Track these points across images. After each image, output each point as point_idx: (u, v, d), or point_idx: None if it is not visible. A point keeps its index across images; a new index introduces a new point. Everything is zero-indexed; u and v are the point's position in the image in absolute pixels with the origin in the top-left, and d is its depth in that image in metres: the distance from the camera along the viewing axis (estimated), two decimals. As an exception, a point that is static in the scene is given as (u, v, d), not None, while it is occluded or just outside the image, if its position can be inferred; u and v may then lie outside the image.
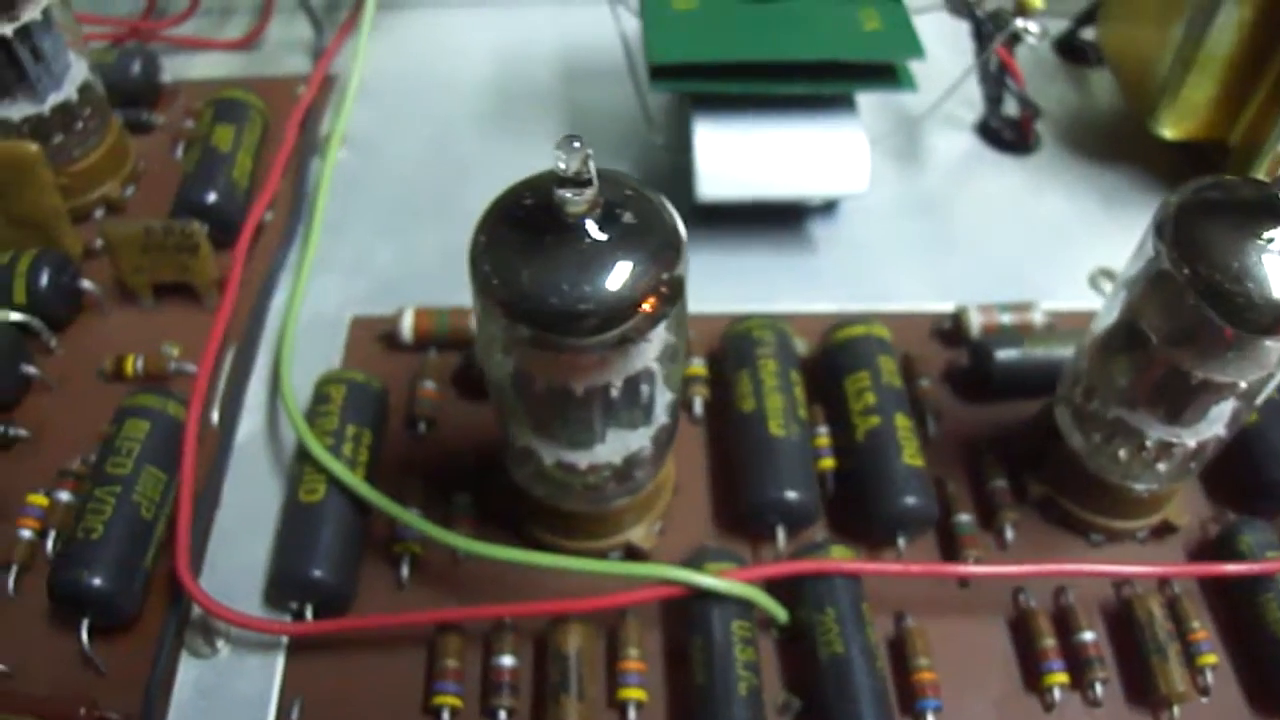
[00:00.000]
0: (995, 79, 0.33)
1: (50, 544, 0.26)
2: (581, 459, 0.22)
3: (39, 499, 0.27)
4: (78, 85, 0.31)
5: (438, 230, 0.32)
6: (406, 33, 0.39)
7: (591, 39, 0.38)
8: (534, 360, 0.20)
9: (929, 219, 0.33)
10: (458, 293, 0.30)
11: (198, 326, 0.30)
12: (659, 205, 0.19)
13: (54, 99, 0.31)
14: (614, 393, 0.21)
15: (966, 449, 0.27)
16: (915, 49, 0.29)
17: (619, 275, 0.18)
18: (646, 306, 0.19)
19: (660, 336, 0.20)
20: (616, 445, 0.22)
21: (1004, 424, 0.28)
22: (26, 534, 0.26)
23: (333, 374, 0.27)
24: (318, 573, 0.24)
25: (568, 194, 0.18)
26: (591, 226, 0.19)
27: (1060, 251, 0.32)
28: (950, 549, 0.26)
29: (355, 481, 0.24)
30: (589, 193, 0.18)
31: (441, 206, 0.33)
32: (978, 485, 0.27)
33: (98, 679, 0.24)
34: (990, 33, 0.31)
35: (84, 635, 0.24)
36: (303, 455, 0.25)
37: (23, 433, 0.28)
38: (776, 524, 0.25)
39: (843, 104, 0.30)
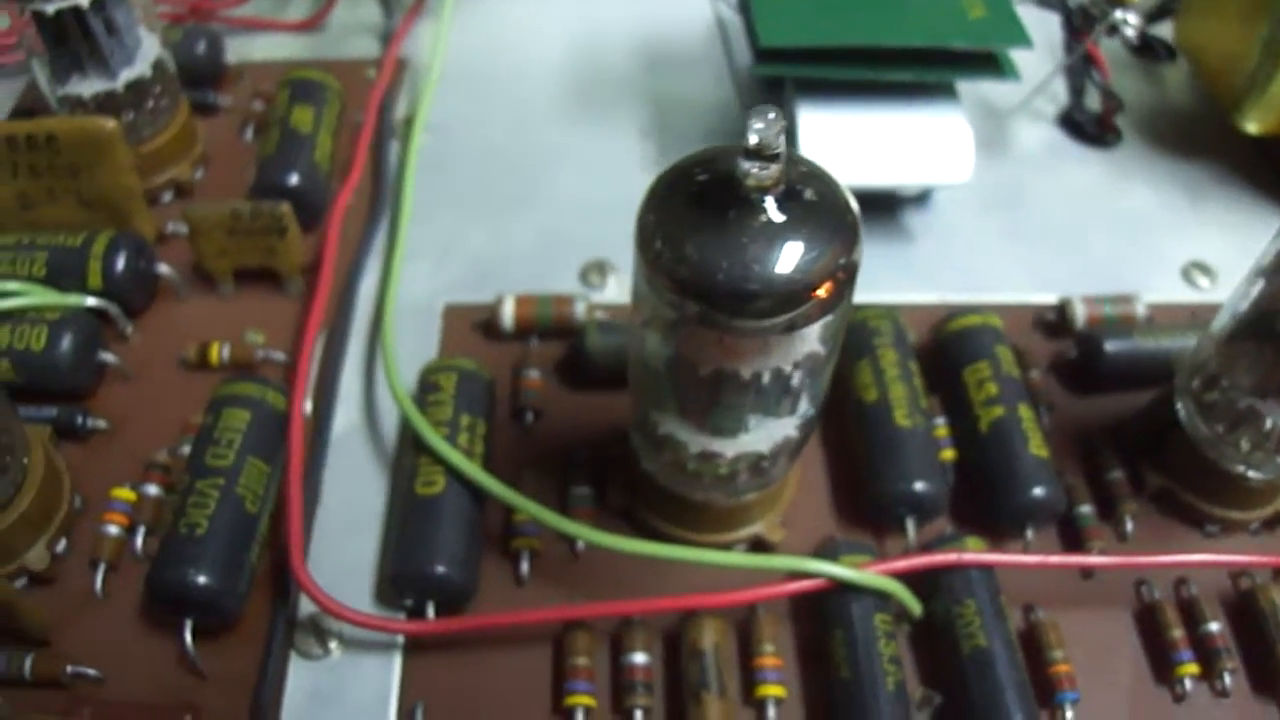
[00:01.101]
0: (1080, 71, 0.33)
1: (140, 541, 0.25)
2: (728, 447, 0.21)
3: (125, 493, 0.25)
4: (151, 61, 0.30)
5: (527, 217, 0.31)
6: (477, 16, 0.38)
7: (668, 25, 0.37)
8: (697, 342, 0.19)
9: (1017, 210, 0.33)
10: (550, 280, 0.30)
11: (279, 313, 0.29)
12: (836, 186, 0.19)
13: (126, 74, 0.29)
14: (769, 379, 0.20)
15: (1078, 440, 0.27)
16: (1022, 37, 0.28)
17: (797, 257, 0.18)
18: (822, 292, 0.18)
19: (825, 322, 0.20)
20: (762, 434, 0.22)
21: (1113, 415, 0.28)
22: (113, 530, 0.25)
23: (441, 362, 0.26)
24: (441, 569, 0.23)
25: (753, 167, 0.18)
26: (771, 204, 0.18)
27: (1148, 244, 0.32)
28: (1071, 541, 0.26)
29: (478, 473, 0.23)
30: (775, 168, 0.18)
31: (528, 193, 0.32)
32: (1093, 477, 0.27)
33: (198, 684, 0.23)
34: (1081, 25, 0.31)
35: (187, 637, 0.23)
36: (415, 446, 0.24)
37: (101, 424, 0.27)
38: (906, 516, 0.24)
39: (944, 93, 0.29)
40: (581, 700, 0.22)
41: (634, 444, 0.24)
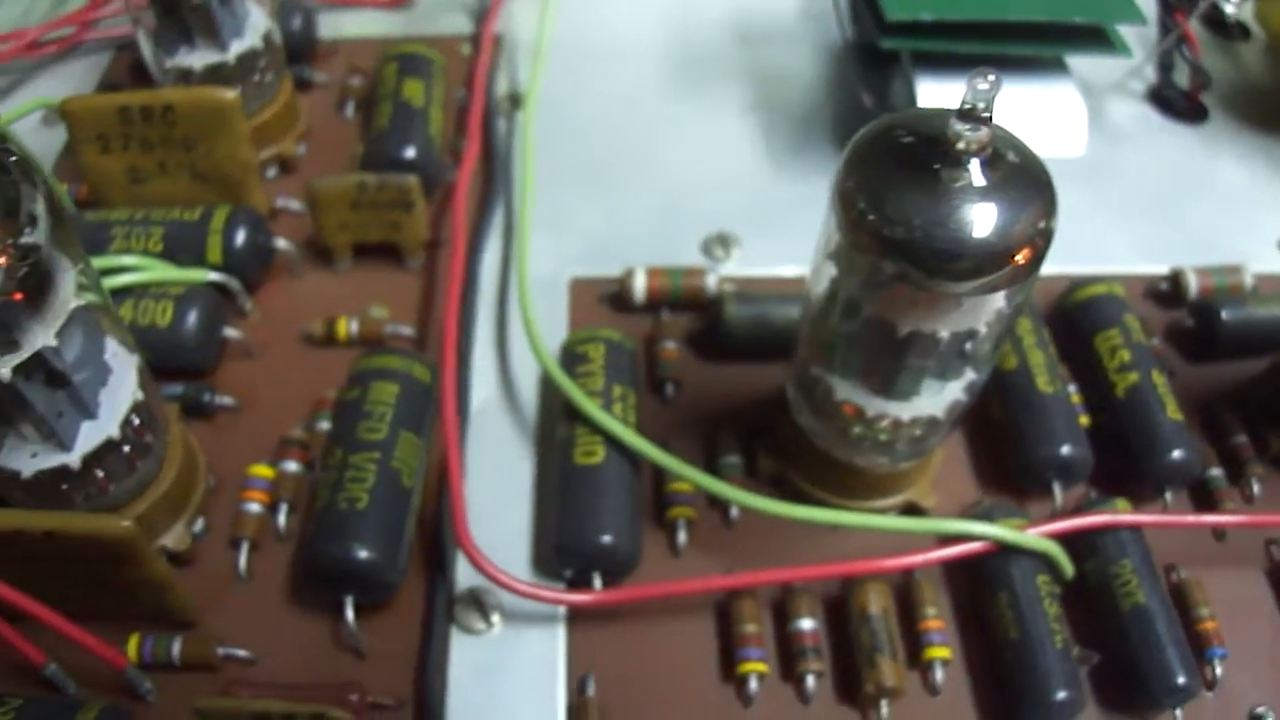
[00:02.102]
0: (1171, 48, 0.34)
1: (282, 518, 0.24)
2: (905, 410, 0.22)
3: (264, 470, 0.25)
4: (261, 33, 0.29)
5: (641, 191, 0.31)
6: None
7: (760, 3, 0.37)
8: (896, 303, 0.20)
9: (1116, 184, 0.33)
10: (671, 253, 0.30)
11: (399, 288, 0.29)
12: (1031, 151, 0.19)
13: (237, 46, 0.29)
14: (959, 340, 0.20)
15: (1198, 406, 0.28)
16: (1135, 13, 0.29)
17: (1003, 220, 0.18)
18: (1022, 256, 0.18)
19: (1020, 285, 0.20)
20: (936, 398, 0.22)
21: (1231, 382, 0.28)
22: (255, 508, 0.24)
23: (587, 333, 0.25)
24: (608, 538, 0.22)
25: (965, 129, 0.18)
26: (976, 166, 0.18)
27: (1242, 217, 0.33)
28: (1200, 503, 0.26)
29: (640, 442, 0.23)
30: (984, 130, 0.18)
31: (639, 168, 0.32)
32: (1217, 441, 0.27)
33: (353, 662, 0.23)
34: (1177, 3, 0.32)
35: (349, 614, 0.22)
36: (569, 416, 0.24)
37: (228, 400, 0.26)
38: (1053, 480, 0.25)
39: (1057, 68, 0.30)
40: (754, 667, 0.22)
41: (794, 411, 0.24)
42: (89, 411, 0.21)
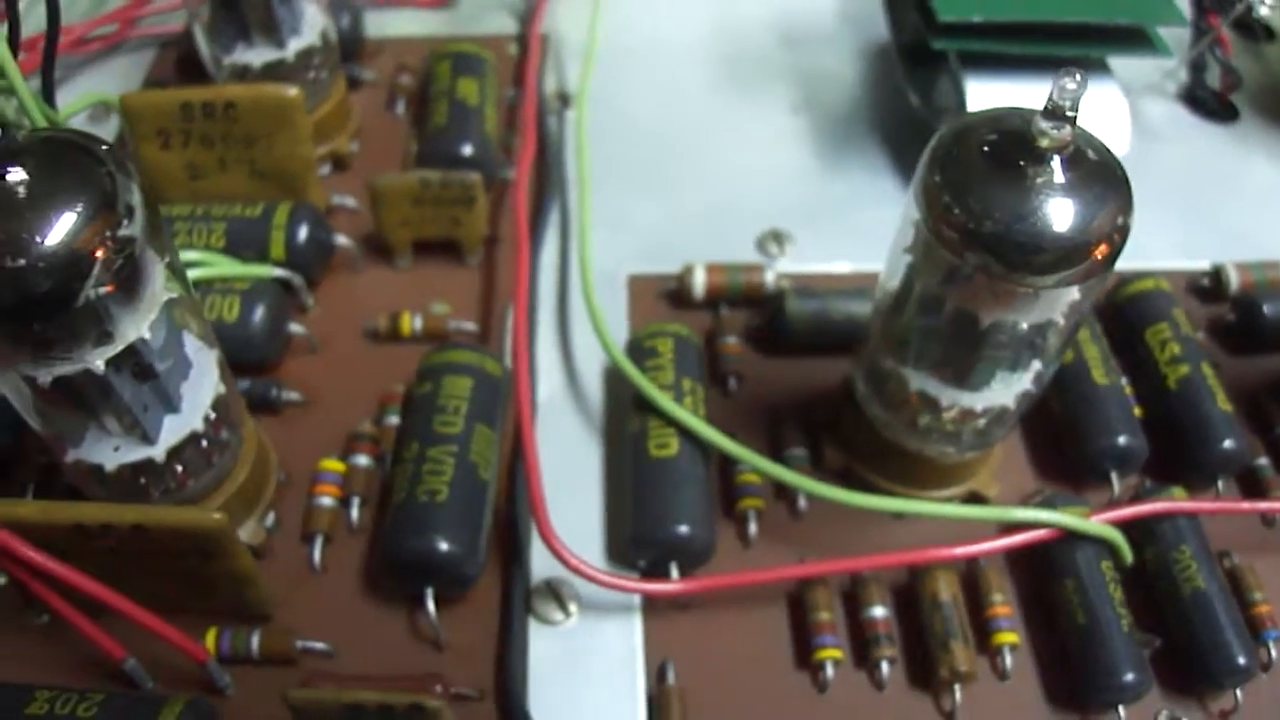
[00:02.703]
0: (1203, 48, 0.34)
1: (355, 512, 0.25)
2: (977, 401, 0.22)
3: (335, 464, 0.25)
4: (318, 30, 0.29)
5: (694, 189, 0.32)
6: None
7: (801, 4, 0.38)
8: (978, 295, 0.20)
9: (1152, 182, 0.33)
10: (726, 249, 0.30)
11: (459, 284, 0.29)
12: (1109, 150, 0.20)
13: (295, 44, 0.29)
14: (1036, 332, 0.21)
15: (1242, 398, 0.28)
16: (1177, 15, 0.30)
17: (1084, 216, 0.19)
18: (1099, 252, 0.19)
19: (1097, 278, 0.20)
20: (1006, 389, 0.22)
21: (1273, 374, 0.29)
22: (327, 502, 0.25)
23: (655, 327, 0.26)
24: (685, 529, 0.23)
25: (1050, 127, 0.18)
26: (1058, 164, 0.19)
27: (1276, 214, 0.33)
28: (1249, 491, 0.27)
29: (714, 435, 0.23)
30: (1068, 129, 0.18)
31: (691, 166, 0.33)
32: (1262, 431, 0.28)
33: (431, 654, 0.23)
34: (1210, 4, 0.33)
35: (429, 606, 0.22)
36: (641, 409, 0.24)
37: (294, 395, 0.26)
38: (1110, 470, 0.25)
39: (1098, 68, 0.30)
40: (830, 654, 0.23)
41: (862, 403, 0.24)
42: (173, 405, 0.22)
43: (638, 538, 0.23)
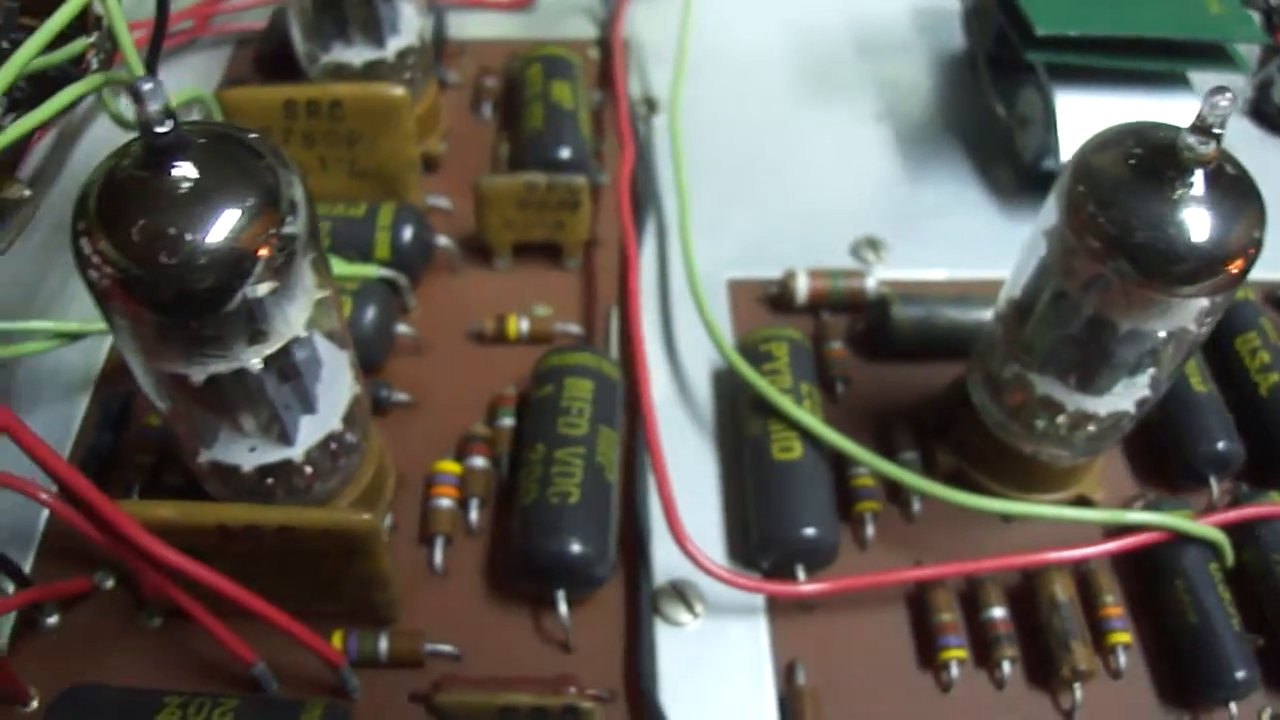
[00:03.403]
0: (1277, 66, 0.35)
1: (474, 513, 0.25)
2: (1101, 406, 0.23)
3: (451, 466, 0.25)
4: (417, 30, 0.29)
5: (784, 195, 0.32)
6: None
7: (867, 9, 0.38)
8: (1116, 302, 0.20)
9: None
10: (821, 255, 0.30)
11: (556, 286, 0.29)
12: (1244, 167, 0.20)
13: (394, 44, 0.29)
14: (1163, 340, 0.21)
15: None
16: (1256, 32, 0.31)
17: (1222, 228, 0.19)
18: (1237, 263, 0.20)
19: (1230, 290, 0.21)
20: (1127, 395, 0.23)
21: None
22: (445, 504, 0.25)
23: (768, 332, 0.26)
24: (811, 531, 0.23)
25: (1196, 141, 0.19)
26: (1201, 178, 0.19)
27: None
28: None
29: (838, 438, 0.24)
30: (1214, 145, 0.19)
31: (778, 172, 0.33)
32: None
33: (557, 655, 0.23)
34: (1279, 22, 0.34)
35: (562, 607, 0.22)
36: (761, 412, 0.25)
37: (404, 396, 0.26)
38: (1209, 474, 0.26)
39: (1179, 82, 0.31)
40: (954, 654, 0.23)
41: (979, 408, 0.24)
42: (310, 405, 0.21)
43: (765, 540, 0.23)
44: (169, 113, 0.17)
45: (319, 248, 0.20)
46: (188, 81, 0.34)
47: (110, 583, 0.24)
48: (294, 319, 0.19)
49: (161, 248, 0.17)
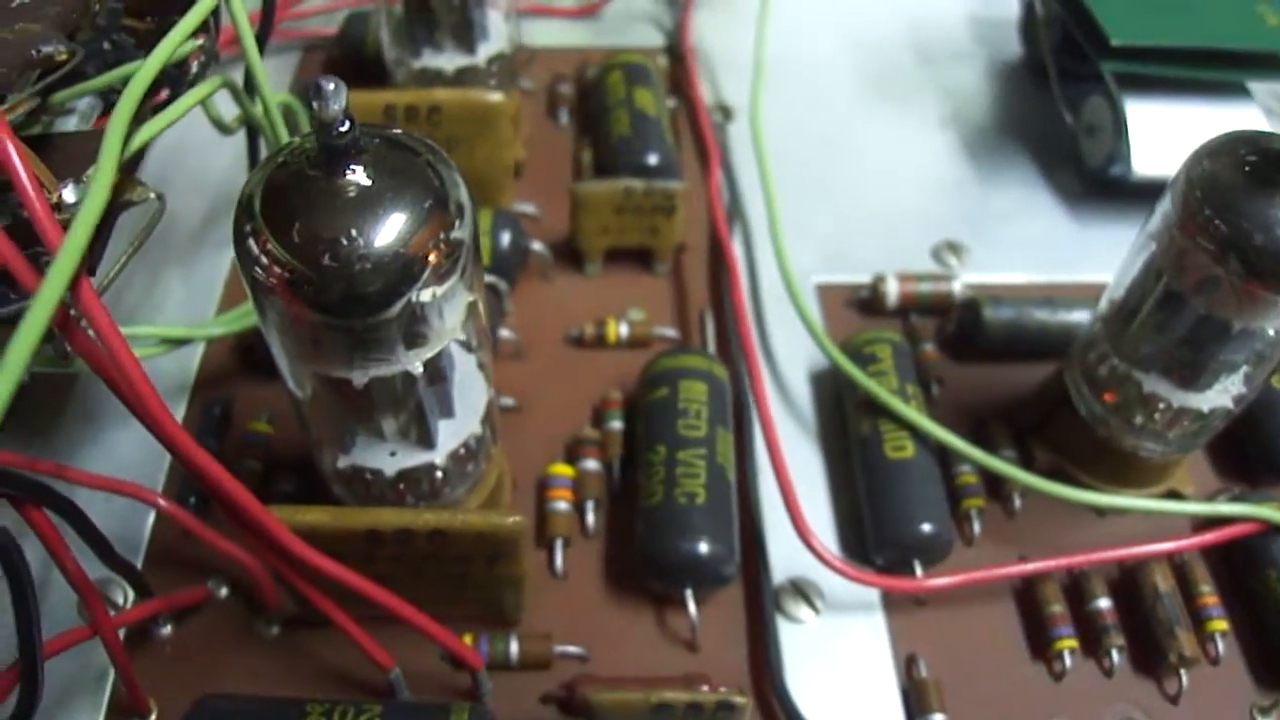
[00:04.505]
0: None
1: (590, 516, 0.25)
2: (1204, 402, 0.24)
3: (564, 469, 0.25)
4: (506, 36, 0.29)
5: (861, 199, 0.33)
6: (748, 6, 0.39)
7: (932, 21, 0.39)
8: (1224, 302, 0.21)
9: None
10: (902, 258, 0.31)
11: (647, 290, 0.29)
12: None
13: (485, 50, 0.29)
14: (1271, 338, 0.22)
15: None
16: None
17: None
18: None
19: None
20: (1225, 391, 0.24)
21: None
22: (563, 506, 0.25)
23: (871, 334, 0.26)
24: (929, 527, 0.24)
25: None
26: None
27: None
28: None
29: (949, 437, 0.24)
30: (1327, 149, 0.20)
31: (851, 176, 0.33)
32: None
33: (681, 653, 0.23)
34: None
35: (691, 607, 0.23)
36: (870, 412, 0.25)
37: (509, 401, 0.26)
38: (1292, 470, 0.27)
39: (1240, 92, 0.33)
40: (1067, 644, 0.24)
41: (1079, 406, 0.25)
42: (450, 409, 0.21)
43: (882, 537, 0.24)
44: (348, 114, 0.17)
45: (477, 250, 0.20)
46: (258, 86, 0.34)
47: (224, 590, 0.24)
48: (451, 322, 0.19)
49: (332, 250, 0.17)
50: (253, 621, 0.23)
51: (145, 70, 0.20)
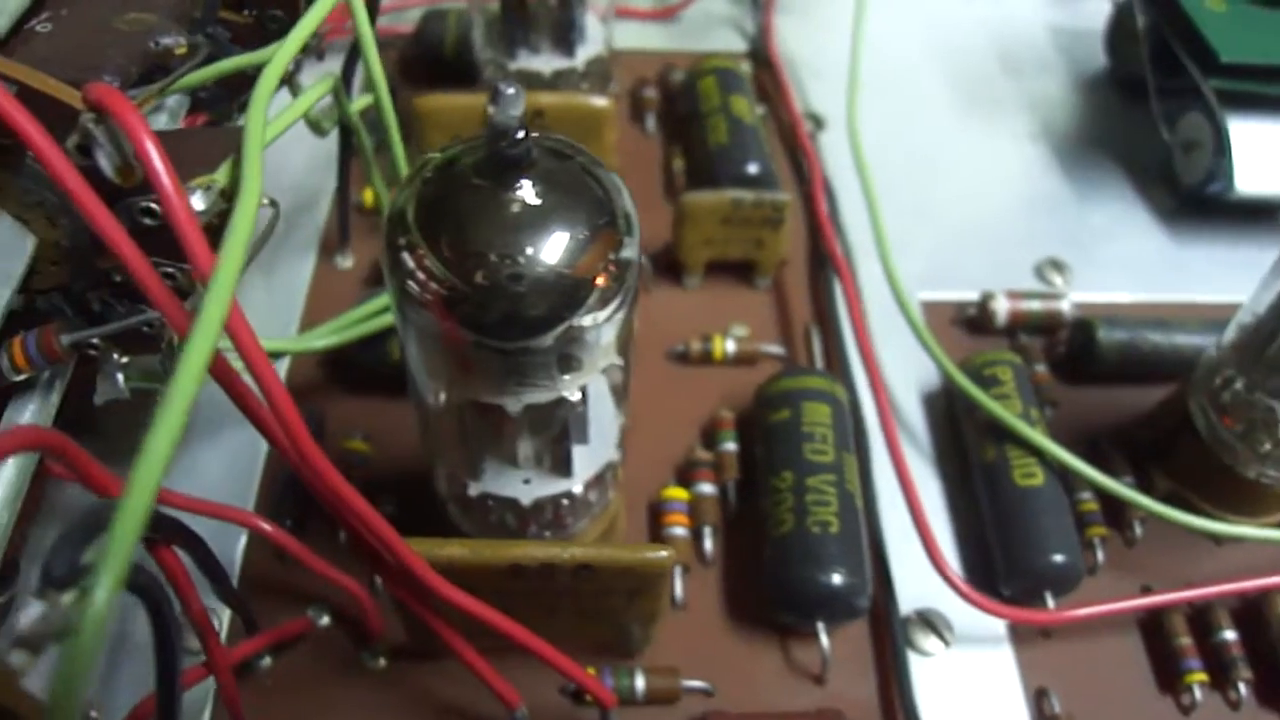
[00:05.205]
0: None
1: (708, 542, 0.24)
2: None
3: (679, 492, 0.24)
4: (603, 38, 0.28)
5: (955, 213, 0.32)
6: (825, 11, 0.38)
7: (1014, 31, 0.39)
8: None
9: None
10: (1004, 276, 0.30)
11: (747, 305, 0.28)
12: None
13: (584, 53, 0.28)
14: None
15: None
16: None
17: None
18: None
19: None
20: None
21: None
22: (680, 532, 0.24)
23: (991, 355, 0.26)
24: (1061, 558, 0.23)
25: None
26: None
27: None
28: None
29: (1083, 466, 0.24)
30: None
31: (947, 189, 0.33)
32: None
33: (807, 686, 0.22)
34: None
35: (824, 639, 0.22)
36: (997, 438, 0.24)
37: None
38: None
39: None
40: (1198, 677, 0.23)
41: (1203, 432, 0.25)
42: (585, 435, 0.20)
43: (1013, 567, 0.23)
44: (523, 122, 0.16)
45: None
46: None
47: (325, 619, 0.23)
48: (607, 344, 0.18)
49: (497, 268, 0.16)
50: (357, 652, 0.22)
51: (275, 66, 0.19)
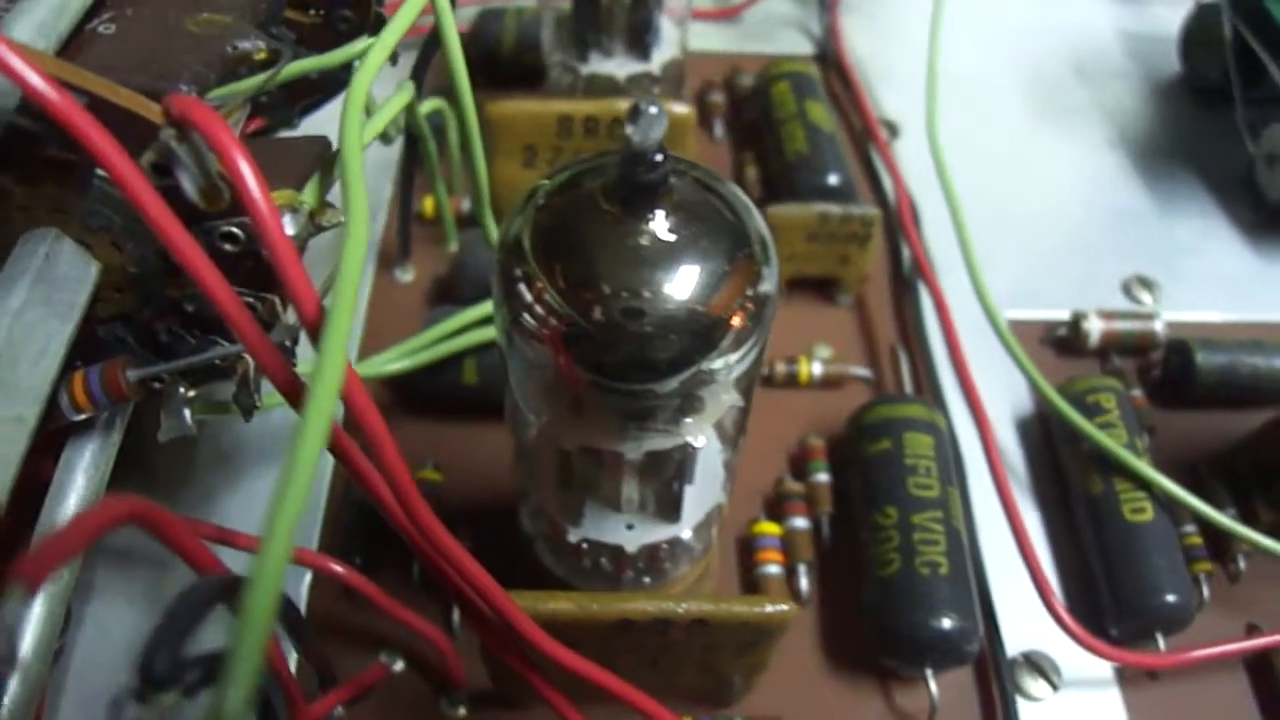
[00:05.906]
0: None
1: (804, 580, 0.22)
2: None
3: (771, 527, 0.23)
4: (677, 42, 0.27)
5: (1037, 227, 0.31)
6: (893, 14, 0.37)
7: (1086, 38, 0.37)
8: None
9: None
10: (1090, 293, 0.29)
11: (826, 323, 0.27)
12: None
13: (659, 57, 0.26)
14: None
15: None
16: None
17: None
18: None
19: None
20: None
21: None
22: (774, 570, 0.22)
23: (1093, 381, 0.24)
24: (1173, 598, 0.22)
25: None
26: None
27: None
28: None
29: (1195, 502, 0.22)
30: None
31: (1028, 202, 0.31)
32: None
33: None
34: None
35: (932, 688, 0.21)
36: (1103, 470, 0.23)
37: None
38: None
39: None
40: (1312, 722, 0.22)
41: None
42: (692, 475, 0.19)
43: (1124, 608, 0.22)
44: (663, 146, 0.14)
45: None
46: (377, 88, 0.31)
47: (399, 664, 0.21)
48: (734, 386, 0.17)
49: (624, 305, 0.15)
50: (435, 698, 0.21)
51: (366, 71, 0.17)
